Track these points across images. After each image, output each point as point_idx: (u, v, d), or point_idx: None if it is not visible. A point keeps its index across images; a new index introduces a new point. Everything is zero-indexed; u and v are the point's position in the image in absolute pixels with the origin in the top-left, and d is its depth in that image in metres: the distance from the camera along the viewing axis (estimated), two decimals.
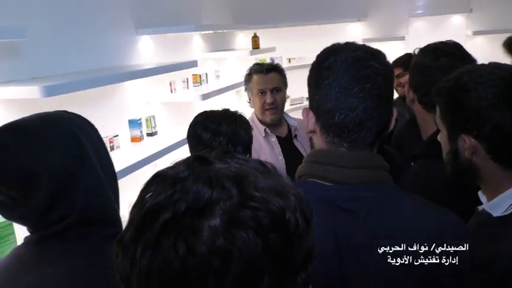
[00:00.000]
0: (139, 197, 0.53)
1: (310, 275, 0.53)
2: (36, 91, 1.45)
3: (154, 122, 2.41)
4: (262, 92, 2.24)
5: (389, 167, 0.92)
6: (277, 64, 2.36)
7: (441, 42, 1.51)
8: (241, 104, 3.24)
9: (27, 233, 0.95)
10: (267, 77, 2.25)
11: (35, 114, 0.96)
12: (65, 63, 1.96)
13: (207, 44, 3.38)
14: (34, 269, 0.89)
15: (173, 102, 2.74)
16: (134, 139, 2.27)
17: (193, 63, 2.48)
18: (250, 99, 2.37)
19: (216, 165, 0.52)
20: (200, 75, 2.91)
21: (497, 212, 1.05)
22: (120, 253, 0.51)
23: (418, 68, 1.47)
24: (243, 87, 3.43)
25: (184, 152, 2.53)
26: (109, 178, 0.98)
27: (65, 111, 1.00)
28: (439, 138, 1.19)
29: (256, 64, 2.39)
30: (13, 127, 0.91)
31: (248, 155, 1.65)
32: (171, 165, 0.55)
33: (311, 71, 0.95)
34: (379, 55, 0.92)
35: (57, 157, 0.88)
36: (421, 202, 0.90)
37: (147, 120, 2.36)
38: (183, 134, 2.47)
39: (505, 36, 3.67)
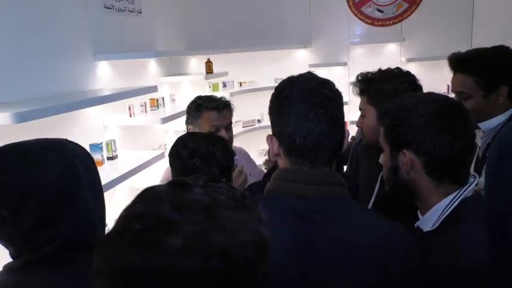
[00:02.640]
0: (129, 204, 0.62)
1: None
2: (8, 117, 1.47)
3: (115, 146, 2.43)
4: (217, 130, 2.14)
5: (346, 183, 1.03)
6: (228, 101, 2.23)
7: (396, 71, 1.66)
8: None
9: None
10: (222, 114, 2.16)
11: (38, 139, 0.99)
12: (26, 88, 1.97)
13: (162, 69, 3.45)
14: None
15: (132, 126, 2.77)
16: (96, 163, 2.27)
17: (153, 88, 2.54)
18: None
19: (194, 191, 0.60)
20: (157, 99, 2.98)
21: (427, 227, 1.14)
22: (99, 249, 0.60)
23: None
24: None
25: (145, 175, 2.57)
26: (98, 207, 1.02)
27: (66, 140, 1.04)
28: (380, 160, 1.30)
29: (208, 100, 2.18)
30: (14, 148, 0.94)
31: (224, 179, 1.69)
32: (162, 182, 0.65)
33: (272, 102, 1.05)
34: (328, 84, 1.04)
35: (52, 182, 0.92)
36: (373, 214, 1.02)
37: (107, 144, 2.38)
38: (143, 157, 2.54)
39: (433, 62, 4.11)
